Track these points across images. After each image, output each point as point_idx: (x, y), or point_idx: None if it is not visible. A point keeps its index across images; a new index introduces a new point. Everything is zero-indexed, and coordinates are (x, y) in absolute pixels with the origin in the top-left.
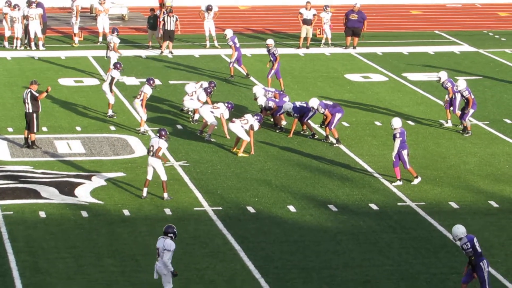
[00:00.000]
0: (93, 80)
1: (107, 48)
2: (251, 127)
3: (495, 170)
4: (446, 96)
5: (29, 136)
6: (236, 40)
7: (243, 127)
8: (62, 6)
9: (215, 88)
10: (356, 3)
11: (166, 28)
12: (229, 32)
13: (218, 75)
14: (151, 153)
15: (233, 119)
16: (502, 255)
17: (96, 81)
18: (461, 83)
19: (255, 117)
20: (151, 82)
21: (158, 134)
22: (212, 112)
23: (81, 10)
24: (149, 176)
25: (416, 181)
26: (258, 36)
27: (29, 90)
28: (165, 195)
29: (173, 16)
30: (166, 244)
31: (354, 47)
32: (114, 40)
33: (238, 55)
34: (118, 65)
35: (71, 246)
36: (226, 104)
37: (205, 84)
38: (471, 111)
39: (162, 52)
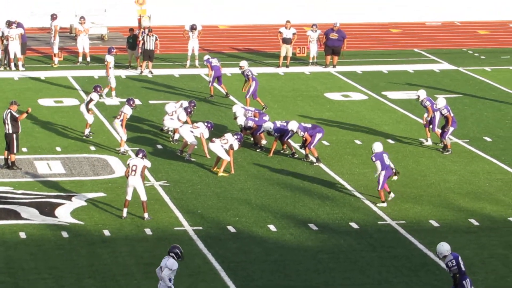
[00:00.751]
0: (73, 100)
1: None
2: (231, 146)
3: (475, 188)
4: (425, 115)
5: (9, 157)
6: (213, 60)
7: (223, 147)
8: (42, 26)
9: (195, 107)
10: (336, 22)
11: (145, 47)
12: (205, 56)
13: (198, 95)
14: (133, 173)
15: (213, 138)
16: (483, 273)
17: (76, 101)
18: (440, 101)
19: (235, 136)
20: (131, 102)
21: (140, 155)
22: (192, 131)
23: (59, 30)
24: (129, 197)
25: (380, 204)
26: (238, 55)
27: (9, 110)
28: (146, 215)
29: (152, 35)
30: (169, 262)
31: (334, 66)
32: (107, 59)
33: (217, 74)
34: (98, 88)
35: (52, 267)
36: (205, 124)
37: (185, 103)
38: (451, 129)
39: (141, 72)
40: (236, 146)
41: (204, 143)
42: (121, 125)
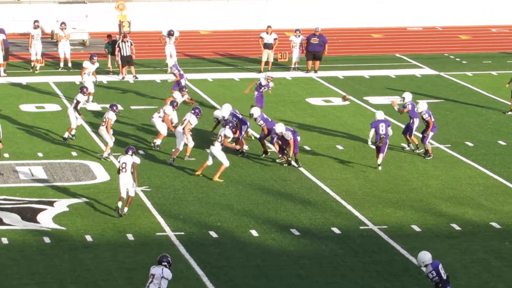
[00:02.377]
0: (55, 106)
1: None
2: (225, 136)
3: (457, 193)
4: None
5: None
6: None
7: (223, 151)
8: (23, 32)
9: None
10: (317, 27)
11: (122, 54)
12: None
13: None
14: (124, 170)
15: (214, 142)
16: (465, 278)
17: (58, 106)
18: (422, 105)
19: (227, 126)
20: (115, 108)
21: (130, 153)
22: (183, 133)
23: (42, 36)
24: (123, 194)
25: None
26: (219, 60)
27: None
28: (126, 209)
29: (127, 41)
30: (165, 273)
31: (316, 71)
32: (84, 65)
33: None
34: (85, 89)
35: (34, 272)
36: (192, 111)
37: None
38: (431, 134)
39: (123, 78)
40: (229, 133)
41: (187, 130)
42: (107, 130)
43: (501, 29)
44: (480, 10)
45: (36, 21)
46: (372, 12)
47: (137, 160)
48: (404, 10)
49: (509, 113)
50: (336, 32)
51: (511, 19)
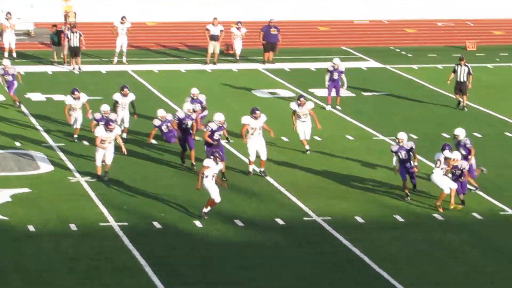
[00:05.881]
0: None
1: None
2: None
3: (401, 185)
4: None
5: None
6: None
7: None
8: None
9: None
10: (271, 18)
11: (70, 44)
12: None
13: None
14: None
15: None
16: (408, 269)
17: (1, 97)
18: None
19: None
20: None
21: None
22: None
23: None
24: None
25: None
26: (165, 52)
27: None
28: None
29: (76, 32)
30: None
31: (271, 61)
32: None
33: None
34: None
35: None
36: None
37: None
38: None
39: (74, 68)
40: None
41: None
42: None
43: (446, 23)
44: (425, 4)
45: None
46: (318, 5)
47: (118, 131)
48: (350, 4)
49: (459, 108)
50: (282, 25)
51: (456, 13)
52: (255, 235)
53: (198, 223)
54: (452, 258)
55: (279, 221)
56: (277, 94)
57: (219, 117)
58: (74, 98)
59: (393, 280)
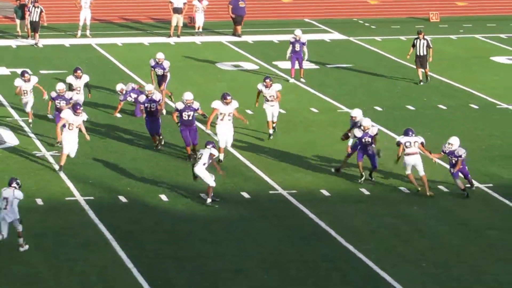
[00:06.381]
0: None
1: None
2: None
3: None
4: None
5: None
6: None
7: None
8: None
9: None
10: None
11: (31, 19)
12: None
13: (88, 64)
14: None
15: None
16: (373, 242)
17: None
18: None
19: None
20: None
21: (72, 110)
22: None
23: None
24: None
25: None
26: (129, 25)
27: None
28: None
29: (38, 7)
30: (17, 194)
31: (239, 35)
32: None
33: None
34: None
35: None
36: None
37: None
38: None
39: (37, 43)
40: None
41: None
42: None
43: None
44: None
45: None
46: None
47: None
48: None
49: (421, 83)
50: None
51: None
52: (220, 209)
53: (163, 197)
54: (418, 231)
55: (245, 195)
56: (241, 67)
57: (187, 96)
58: (25, 81)
59: (360, 253)
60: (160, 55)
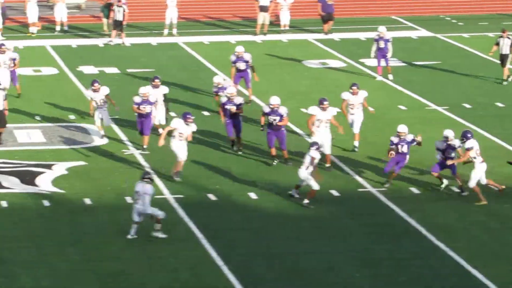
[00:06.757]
0: (52, 69)
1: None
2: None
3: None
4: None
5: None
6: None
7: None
8: None
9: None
10: None
11: (114, 18)
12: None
13: (177, 64)
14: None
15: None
16: (464, 240)
17: (55, 70)
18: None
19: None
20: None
21: (183, 119)
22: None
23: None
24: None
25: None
26: (215, 23)
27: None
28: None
29: (121, 6)
30: (146, 188)
31: (328, 32)
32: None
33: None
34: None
35: (33, 235)
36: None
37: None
38: None
39: (111, 41)
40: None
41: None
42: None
43: None
44: None
45: None
46: None
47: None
48: None
49: (505, 83)
50: None
51: None
52: (310, 207)
53: (253, 195)
54: (509, 229)
55: (334, 193)
56: (327, 65)
57: (273, 100)
58: (94, 90)
59: (451, 251)
60: (239, 48)
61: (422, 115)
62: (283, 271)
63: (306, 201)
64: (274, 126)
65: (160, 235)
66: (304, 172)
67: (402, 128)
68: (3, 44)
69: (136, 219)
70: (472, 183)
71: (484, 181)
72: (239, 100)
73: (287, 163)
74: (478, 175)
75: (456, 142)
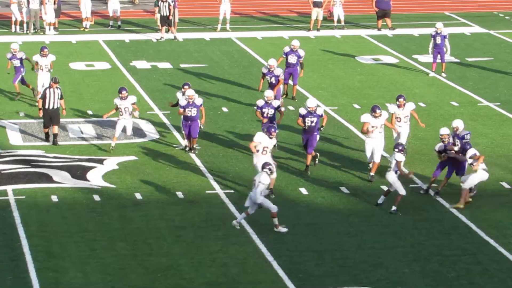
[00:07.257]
0: (104, 64)
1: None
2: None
3: (507, 152)
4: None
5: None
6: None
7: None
8: None
9: None
10: None
11: (161, 14)
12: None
13: (230, 59)
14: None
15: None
16: None
17: (107, 65)
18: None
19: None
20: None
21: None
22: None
23: None
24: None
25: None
26: (268, 19)
27: (57, 88)
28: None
29: (166, 1)
30: (262, 178)
31: (391, 28)
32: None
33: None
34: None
35: (84, 230)
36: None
37: None
38: None
39: (161, 38)
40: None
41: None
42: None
43: None
44: None
45: None
46: None
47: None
48: None
49: None
50: None
51: None
52: (360, 202)
53: (303, 190)
54: None
55: (385, 188)
56: (381, 61)
57: (310, 103)
58: (121, 98)
59: (501, 247)
60: (295, 42)
61: (474, 111)
62: (333, 266)
63: (393, 208)
64: (307, 128)
65: (282, 229)
66: (393, 176)
67: (444, 131)
68: (45, 47)
69: (248, 204)
70: (466, 185)
71: (473, 189)
72: (276, 103)
73: (307, 170)
74: (476, 181)
75: (464, 132)
